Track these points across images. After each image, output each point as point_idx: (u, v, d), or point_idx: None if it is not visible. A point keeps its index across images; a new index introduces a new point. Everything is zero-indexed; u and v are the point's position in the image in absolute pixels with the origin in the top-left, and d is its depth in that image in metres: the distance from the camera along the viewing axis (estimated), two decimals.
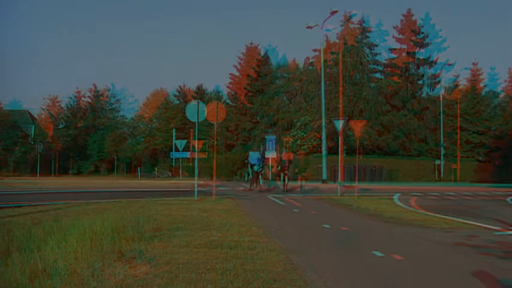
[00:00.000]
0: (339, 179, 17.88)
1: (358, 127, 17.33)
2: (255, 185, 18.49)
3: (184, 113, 16.02)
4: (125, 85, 58.09)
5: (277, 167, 19.40)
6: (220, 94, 49.80)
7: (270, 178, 23.45)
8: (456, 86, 44.01)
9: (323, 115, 28.10)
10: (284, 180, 19.17)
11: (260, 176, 18.85)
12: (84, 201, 11.91)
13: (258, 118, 43.11)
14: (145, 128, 48.49)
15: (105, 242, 5.83)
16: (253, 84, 44.52)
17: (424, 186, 25.38)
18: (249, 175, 19.40)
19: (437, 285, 4.69)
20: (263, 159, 19.75)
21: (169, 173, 39.74)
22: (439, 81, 41.24)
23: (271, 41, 79.30)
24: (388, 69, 42.93)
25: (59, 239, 5.86)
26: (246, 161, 19.57)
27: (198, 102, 14.26)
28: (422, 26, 42.65)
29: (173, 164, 39.65)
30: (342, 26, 36.93)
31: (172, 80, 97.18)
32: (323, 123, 28.01)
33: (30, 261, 4.86)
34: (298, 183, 22.25)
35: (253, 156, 18.77)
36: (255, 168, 18.35)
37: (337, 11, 25.70)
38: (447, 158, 36.91)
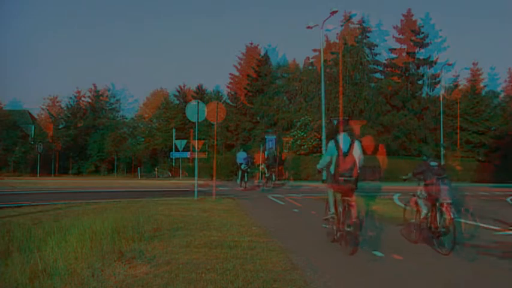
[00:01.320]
0: None
1: (358, 127, 17.31)
2: (244, 184, 19.68)
3: (184, 113, 16.01)
4: (125, 85, 58.08)
5: (264, 164, 20.25)
6: (220, 94, 49.77)
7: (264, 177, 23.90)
8: (456, 86, 43.97)
9: (323, 115, 28.09)
10: (273, 178, 20.11)
11: (246, 175, 19.95)
12: (84, 201, 11.91)
13: (258, 118, 43.08)
14: (145, 128, 48.43)
15: (105, 242, 5.84)
16: (253, 84, 44.49)
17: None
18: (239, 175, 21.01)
19: (439, 285, 4.69)
20: (251, 158, 20.96)
21: (169, 173, 39.72)
22: (439, 81, 41.21)
23: (271, 41, 79.50)
24: (388, 69, 42.90)
25: (59, 239, 5.87)
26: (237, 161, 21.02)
27: (198, 102, 14.24)
28: (422, 26, 42.62)
29: (173, 164, 39.63)
30: (342, 26, 36.87)
31: (172, 80, 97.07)
32: (323, 123, 27.99)
33: (30, 261, 4.87)
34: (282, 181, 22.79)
35: (240, 156, 20.16)
36: (242, 167, 19.77)
37: (337, 11, 25.62)
38: (447, 158, 36.87)
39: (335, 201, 6.69)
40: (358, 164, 6.24)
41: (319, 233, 7.92)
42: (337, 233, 6.49)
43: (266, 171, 20.34)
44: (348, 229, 6.03)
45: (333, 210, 6.71)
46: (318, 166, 6.79)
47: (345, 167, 6.15)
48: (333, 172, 6.27)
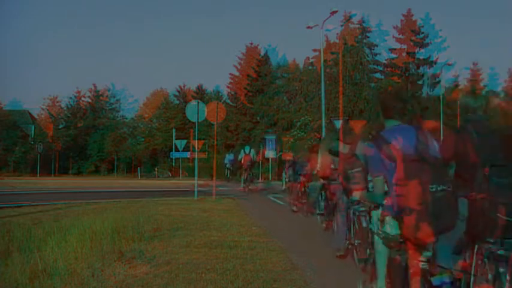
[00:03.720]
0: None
1: (358, 127, 17.26)
2: (228, 177, 23.86)
3: (184, 113, 16.01)
4: (125, 85, 57.74)
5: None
6: (220, 94, 49.70)
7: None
8: (456, 86, 43.94)
9: (323, 115, 28.07)
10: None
11: (228, 172, 23.89)
12: (84, 201, 11.91)
13: (258, 118, 43.04)
14: (145, 128, 48.38)
15: (105, 242, 5.84)
16: (253, 84, 44.47)
17: None
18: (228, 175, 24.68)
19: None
20: (236, 159, 23.57)
21: (169, 173, 39.70)
22: (439, 81, 41.20)
23: (271, 41, 79.19)
24: (388, 69, 42.88)
25: (59, 239, 5.87)
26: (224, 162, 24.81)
27: (198, 102, 14.24)
28: (422, 26, 42.60)
29: (173, 164, 39.60)
30: (342, 26, 36.79)
31: (172, 80, 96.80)
32: (323, 123, 27.99)
33: (30, 261, 4.87)
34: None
35: (228, 157, 24.18)
36: (227, 166, 23.80)
37: (337, 11, 25.56)
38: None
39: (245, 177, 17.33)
40: (252, 158, 17.23)
41: (319, 233, 7.92)
42: (247, 190, 16.66)
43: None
44: (251, 187, 16.68)
45: (243, 183, 17.32)
46: (239, 158, 17.94)
47: (247, 160, 17.11)
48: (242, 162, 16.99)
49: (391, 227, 2.86)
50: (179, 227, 7.71)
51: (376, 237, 3.46)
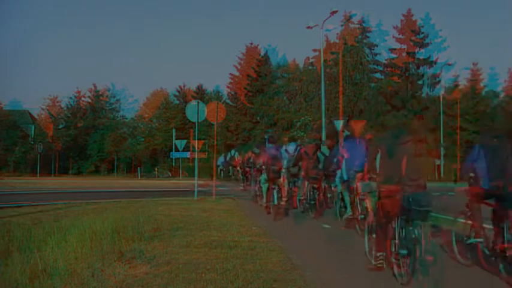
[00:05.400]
0: None
1: (358, 127, 17.26)
2: (222, 177, 25.20)
3: (184, 113, 16.02)
4: (125, 85, 57.73)
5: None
6: (220, 94, 49.69)
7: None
8: (456, 86, 43.90)
9: (323, 115, 28.08)
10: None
11: (222, 173, 25.39)
12: (84, 201, 11.92)
13: (258, 118, 43.04)
14: (145, 128, 48.36)
15: (105, 242, 5.84)
16: (253, 84, 44.47)
17: None
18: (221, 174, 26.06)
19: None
20: (227, 160, 25.77)
21: (169, 173, 39.70)
22: (439, 81, 41.18)
23: (271, 41, 79.26)
24: (388, 69, 42.88)
25: (59, 239, 5.87)
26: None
27: (198, 102, 14.25)
28: (422, 26, 42.60)
29: (173, 164, 39.61)
30: (342, 26, 36.78)
31: (172, 80, 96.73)
32: (323, 123, 28.00)
33: (30, 261, 4.87)
34: None
35: (220, 159, 25.94)
36: (220, 167, 25.47)
37: (337, 11, 25.58)
38: (447, 158, 36.76)
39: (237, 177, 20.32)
40: (238, 160, 19.81)
41: (319, 233, 7.92)
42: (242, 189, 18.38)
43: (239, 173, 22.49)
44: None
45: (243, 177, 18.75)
46: (227, 159, 22.27)
47: (235, 161, 20.36)
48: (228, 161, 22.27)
49: (263, 177, 10.30)
50: (179, 227, 7.71)
51: (262, 182, 10.41)
